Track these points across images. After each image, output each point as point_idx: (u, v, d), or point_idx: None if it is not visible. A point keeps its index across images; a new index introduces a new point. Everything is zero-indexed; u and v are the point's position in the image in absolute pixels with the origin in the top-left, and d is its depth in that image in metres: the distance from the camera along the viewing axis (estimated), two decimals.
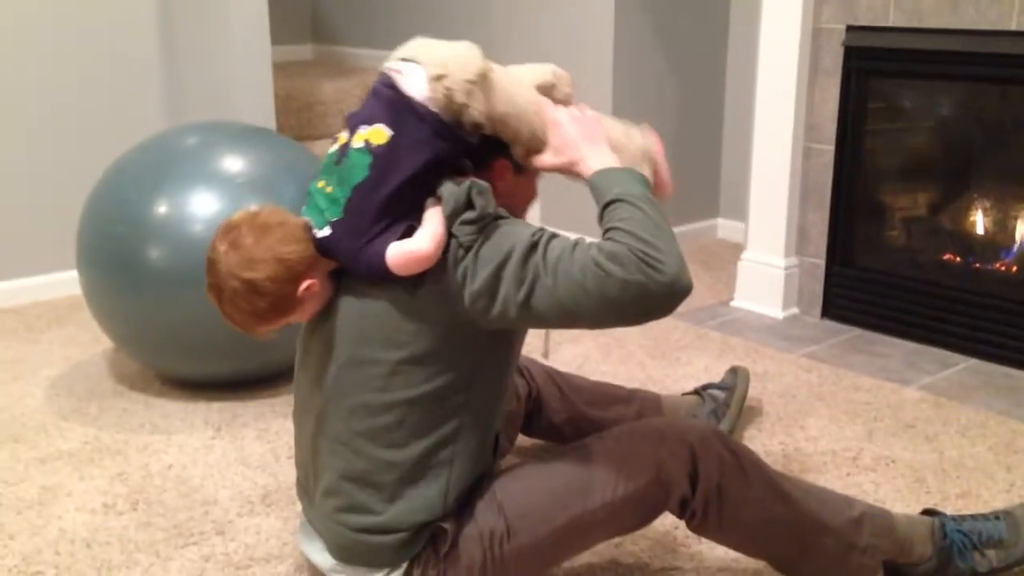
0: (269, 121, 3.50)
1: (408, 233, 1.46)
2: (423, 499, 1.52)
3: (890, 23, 2.76)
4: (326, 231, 1.50)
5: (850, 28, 2.85)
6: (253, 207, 1.56)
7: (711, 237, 4.02)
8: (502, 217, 1.48)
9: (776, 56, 2.96)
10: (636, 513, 1.57)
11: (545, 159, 1.55)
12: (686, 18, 3.71)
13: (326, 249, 1.51)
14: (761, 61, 3.01)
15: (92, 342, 2.87)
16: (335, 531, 1.56)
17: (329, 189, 1.51)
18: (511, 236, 1.44)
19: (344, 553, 1.56)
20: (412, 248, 1.44)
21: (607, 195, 1.44)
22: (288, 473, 2.08)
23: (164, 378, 2.59)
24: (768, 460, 2.14)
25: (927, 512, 1.73)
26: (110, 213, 2.37)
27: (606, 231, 1.41)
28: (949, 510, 1.96)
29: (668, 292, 1.36)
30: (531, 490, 1.56)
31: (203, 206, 2.29)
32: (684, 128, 3.81)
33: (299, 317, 1.55)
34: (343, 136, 1.53)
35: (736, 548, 1.65)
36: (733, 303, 3.20)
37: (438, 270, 1.45)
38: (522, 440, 2.11)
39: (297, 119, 3.85)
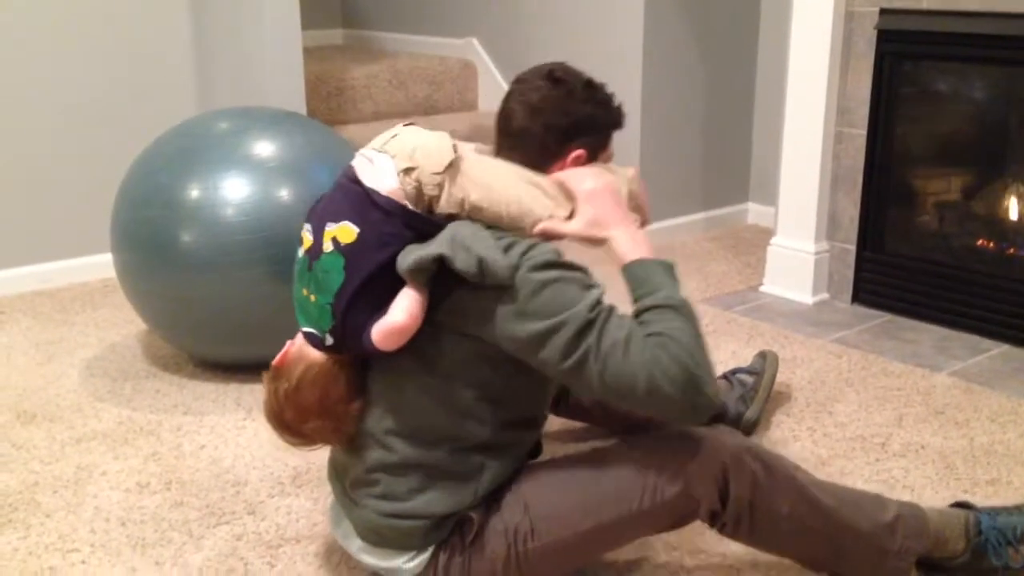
0: (299, 106, 3.51)
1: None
2: (453, 494, 1.54)
3: (924, 6, 2.74)
4: (330, 341, 1.54)
5: (883, 11, 2.82)
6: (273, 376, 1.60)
7: (741, 222, 4.01)
8: (556, 265, 1.48)
9: (808, 39, 2.94)
10: (662, 522, 1.57)
11: (572, 228, 1.54)
12: (717, 1, 3.69)
13: (337, 351, 1.55)
14: (793, 44, 2.98)
15: (126, 324, 2.91)
16: (364, 515, 1.58)
17: (313, 298, 1.54)
18: (568, 301, 1.44)
19: (372, 536, 1.58)
20: (388, 323, 1.48)
21: (654, 295, 1.47)
22: (318, 455, 2.10)
23: (196, 360, 2.62)
24: (796, 446, 2.15)
25: (960, 504, 1.71)
26: (143, 197, 2.39)
27: (655, 332, 1.43)
28: (978, 496, 1.95)
29: (706, 411, 1.44)
30: (557, 493, 1.56)
31: (235, 190, 2.31)
32: (714, 112, 3.79)
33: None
34: (307, 238, 1.55)
35: (768, 553, 1.65)
36: (762, 288, 3.19)
37: (474, 290, 1.46)
38: (551, 423, 2.12)
39: (327, 104, 3.87)
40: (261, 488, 2.01)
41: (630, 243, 1.53)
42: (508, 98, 1.65)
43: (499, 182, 1.53)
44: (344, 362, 1.56)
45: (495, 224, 1.51)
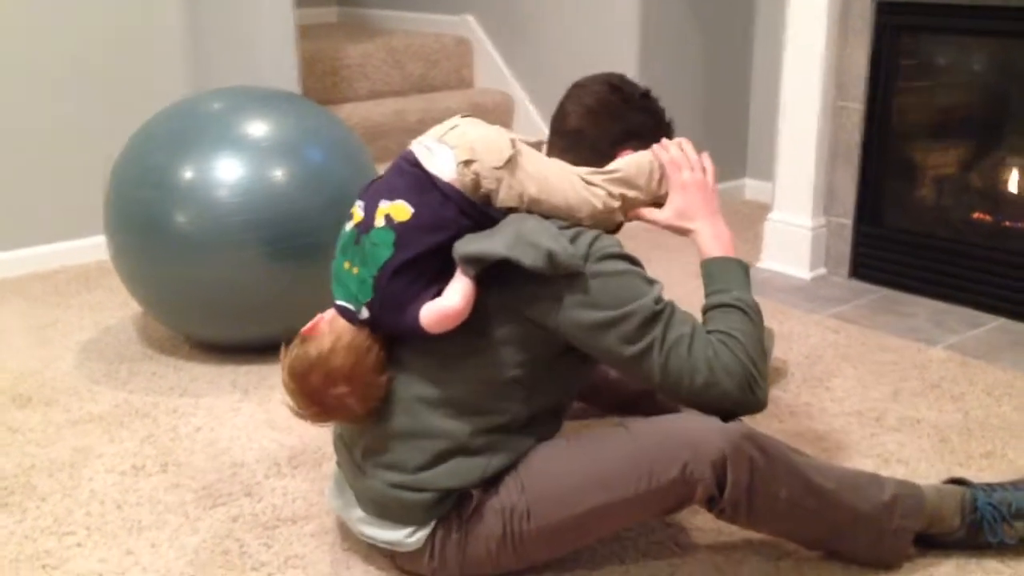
0: (294, 85, 3.50)
1: (438, 292, 1.51)
2: (462, 470, 1.55)
3: None
4: (364, 314, 1.55)
5: None
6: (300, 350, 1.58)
7: (738, 197, 3.99)
8: (621, 257, 1.54)
9: (805, 12, 2.92)
10: (659, 507, 1.57)
11: (662, 217, 1.69)
12: None
13: (373, 328, 1.56)
14: (790, 17, 2.96)
15: (121, 306, 2.91)
16: (369, 485, 1.59)
17: (355, 270, 1.55)
18: (636, 292, 1.52)
19: (375, 507, 1.60)
20: (443, 306, 1.50)
21: (726, 294, 1.59)
22: (314, 435, 2.10)
23: (192, 342, 2.62)
24: (792, 421, 2.15)
25: (956, 481, 1.71)
26: (137, 178, 2.38)
27: (721, 330, 1.54)
28: (973, 469, 1.95)
29: (757, 408, 1.55)
30: (554, 476, 1.57)
31: (229, 171, 2.30)
32: (711, 88, 3.77)
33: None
34: (358, 213, 1.57)
35: (766, 534, 1.66)
36: (760, 264, 3.18)
37: (538, 278, 1.49)
38: None
39: (322, 83, 3.85)
40: (257, 469, 2.01)
41: (712, 239, 1.66)
42: (565, 100, 1.74)
43: (555, 175, 1.57)
44: (377, 336, 1.57)
45: (553, 215, 1.55)
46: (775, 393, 2.29)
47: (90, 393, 2.37)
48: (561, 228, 1.52)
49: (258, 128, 2.38)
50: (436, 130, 1.59)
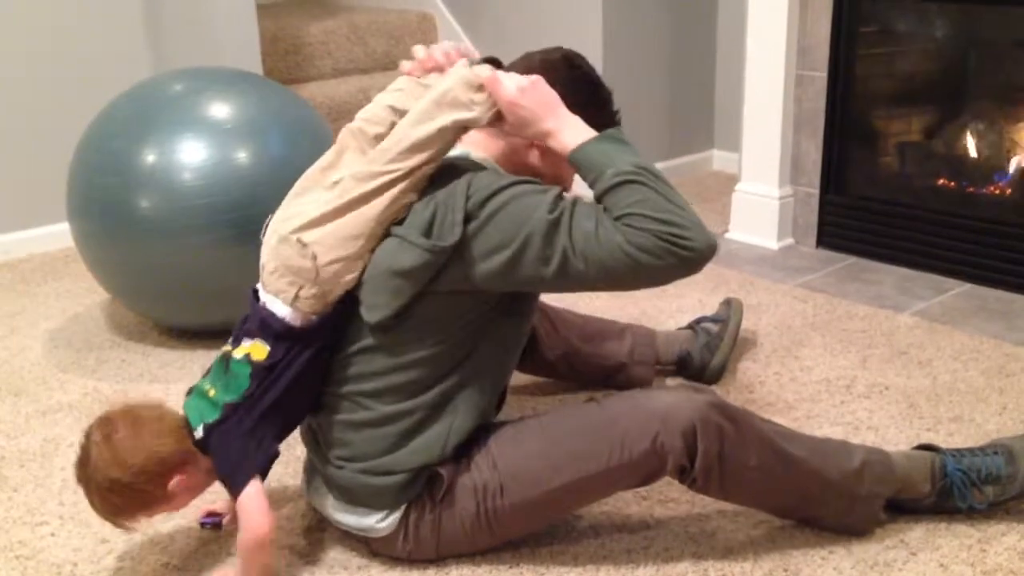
0: (255, 65, 3.45)
1: (266, 467, 1.56)
2: (423, 444, 1.55)
3: None
4: (199, 432, 1.55)
5: None
6: (129, 400, 1.63)
7: (706, 169, 4.00)
8: (500, 189, 1.47)
9: None
10: (631, 479, 1.58)
11: (517, 134, 1.55)
12: None
13: (202, 449, 1.55)
14: None
15: (88, 293, 2.88)
16: (337, 474, 1.59)
17: (212, 392, 1.57)
18: (525, 214, 1.44)
19: (345, 494, 1.59)
20: (256, 534, 1.53)
21: (602, 180, 1.44)
22: None
23: (161, 328, 2.60)
24: (762, 391, 2.17)
25: (926, 447, 1.73)
26: (98, 163, 2.36)
27: (616, 215, 1.42)
28: (942, 434, 1.98)
29: (699, 260, 1.42)
30: (526, 452, 1.57)
31: (191, 153, 2.28)
32: (677, 59, 3.77)
33: (171, 508, 1.59)
34: (229, 345, 1.59)
35: (737, 504, 1.68)
36: (728, 235, 3.20)
37: (438, 258, 1.46)
38: (517, 378, 2.13)
39: (284, 62, 3.80)
40: None
41: (568, 131, 1.48)
42: (514, 62, 1.65)
43: (350, 213, 1.52)
44: (193, 455, 1.56)
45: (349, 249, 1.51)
46: (744, 364, 2.30)
47: (59, 382, 2.34)
48: (427, 219, 1.47)
49: (220, 110, 2.36)
50: (263, 275, 1.58)
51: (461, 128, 1.50)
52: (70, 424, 2.14)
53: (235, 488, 1.54)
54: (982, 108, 2.81)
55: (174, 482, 1.54)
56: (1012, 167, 2.77)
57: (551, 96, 1.50)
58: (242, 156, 2.30)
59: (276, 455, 1.59)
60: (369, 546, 1.66)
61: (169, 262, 2.30)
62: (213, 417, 1.54)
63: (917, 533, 1.67)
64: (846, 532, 1.67)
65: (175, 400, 2.20)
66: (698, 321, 2.28)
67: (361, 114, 1.62)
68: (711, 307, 2.54)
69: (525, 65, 1.61)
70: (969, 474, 1.66)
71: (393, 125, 1.56)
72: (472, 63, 1.55)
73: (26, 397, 2.27)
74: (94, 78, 3.25)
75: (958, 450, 1.71)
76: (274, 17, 4.06)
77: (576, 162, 1.48)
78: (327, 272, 1.51)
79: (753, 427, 1.58)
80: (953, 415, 2.06)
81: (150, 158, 2.29)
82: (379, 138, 1.56)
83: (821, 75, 2.92)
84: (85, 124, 2.53)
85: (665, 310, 2.63)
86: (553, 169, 1.60)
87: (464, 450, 1.59)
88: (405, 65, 1.67)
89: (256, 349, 1.55)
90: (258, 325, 1.56)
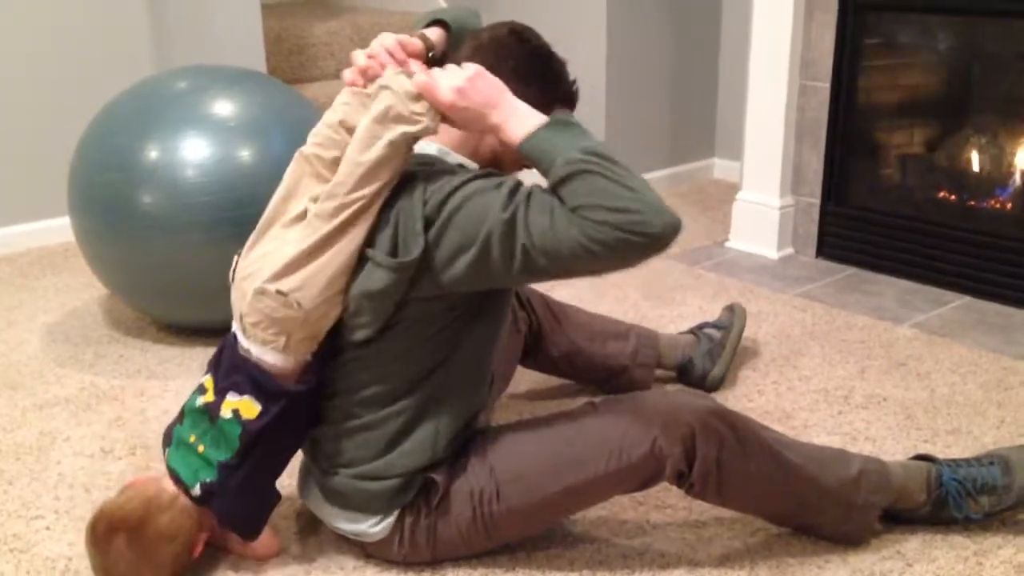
0: (259, 64, 3.46)
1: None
2: (414, 446, 1.54)
3: None
4: (197, 490, 1.53)
5: None
6: (117, 498, 1.59)
7: (707, 177, 4.00)
8: (455, 189, 1.43)
9: None
10: (629, 484, 1.58)
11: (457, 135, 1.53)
12: None
13: (202, 503, 1.55)
14: None
15: (87, 288, 2.87)
16: (331, 479, 1.58)
17: (201, 448, 1.53)
18: (483, 212, 1.40)
19: (339, 499, 1.59)
20: (261, 554, 1.63)
21: (552, 171, 1.39)
22: None
23: (159, 324, 2.59)
24: (761, 399, 2.17)
25: (922, 457, 1.73)
26: (100, 159, 2.35)
27: (574, 208, 1.36)
28: (939, 446, 1.98)
29: (661, 243, 1.36)
30: (523, 457, 1.57)
31: (194, 151, 2.28)
32: (680, 67, 3.77)
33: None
34: (209, 389, 1.54)
35: (734, 510, 1.67)
36: (728, 243, 3.20)
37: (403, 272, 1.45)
38: (517, 380, 2.13)
39: (288, 62, 3.80)
40: None
41: (511, 125, 1.43)
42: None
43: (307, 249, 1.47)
44: (205, 514, 1.57)
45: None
46: (743, 372, 2.30)
47: (56, 376, 2.34)
48: (390, 235, 1.44)
49: (224, 107, 2.36)
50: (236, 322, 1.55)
51: (412, 138, 1.45)
52: (66, 418, 2.14)
53: (247, 537, 1.59)
54: (984, 121, 2.82)
55: (200, 547, 1.58)
56: (1012, 181, 2.77)
57: (492, 88, 1.44)
58: (245, 154, 2.30)
59: (278, 500, 1.61)
60: (364, 549, 1.65)
61: (170, 259, 2.30)
62: (210, 477, 1.52)
63: (913, 544, 1.67)
64: (842, 541, 1.66)
65: (173, 398, 2.21)
66: (701, 327, 2.27)
67: (312, 137, 1.57)
68: (711, 314, 2.54)
69: (474, 45, 1.57)
70: (965, 484, 1.66)
71: (346, 145, 1.50)
72: (402, 72, 1.49)
73: (23, 391, 2.27)
74: (97, 75, 3.25)
75: (954, 460, 1.70)
76: (278, 17, 4.06)
77: (526, 154, 1.43)
78: (315, 315, 1.47)
79: (753, 434, 1.57)
80: (951, 427, 2.06)
81: (153, 155, 2.28)
82: (336, 162, 1.50)
83: (824, 85, 2.93)
84: (86, 120, 2.53)
85: (666, 315, 2.63)
86: (513, 152, 1.50)
87: (460, 454, 1.58)
88: (346, 75, 1.59)
89: (246, 407, 1.50)
90: (248, 381, 1.50)
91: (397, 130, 1.43)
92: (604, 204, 1.34)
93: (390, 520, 1.57)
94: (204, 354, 2.42)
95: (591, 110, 3.61)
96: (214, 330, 2.46)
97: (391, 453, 1.54)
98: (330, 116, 1.57)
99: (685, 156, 3.92)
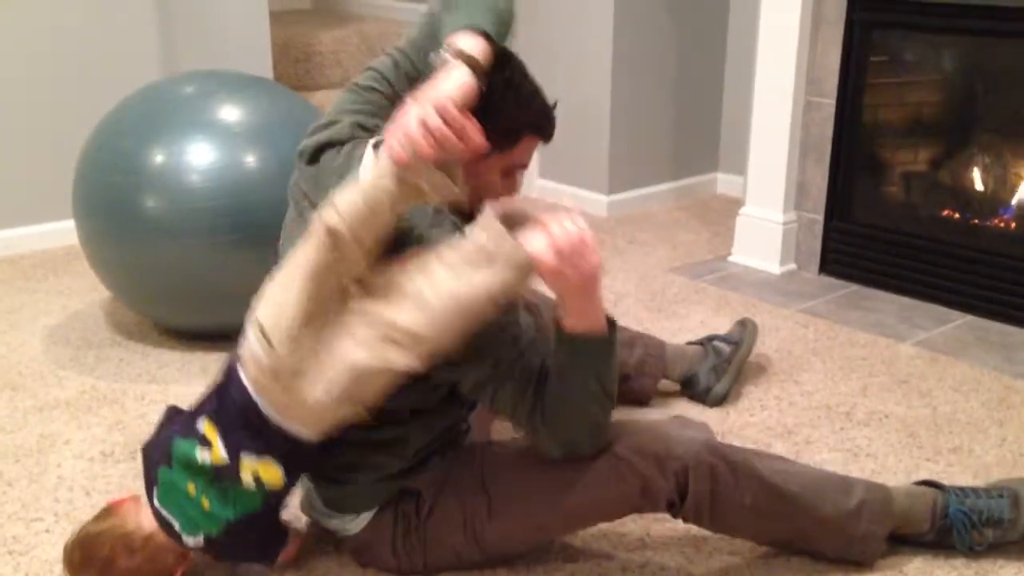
0: (266, 71, 3.47)
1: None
2: (387, 459, 1.56)
3: None
4: (196, 542, 1.48)
5: None
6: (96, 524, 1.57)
7: (710, 191, 4.01)
8: None
9: (779, 6, 2.93)
10: (620, 512, 1.59)
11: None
12: None
13: (196, 549, 1.51)
14: (763, 12, 2.97)
15: (89, 291, 2.87)
16: (315, 489, 1.63)
17: (206, 505, 1.44)
18: (477, 350, 1.42)
19: (324, 499, 1.63)
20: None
21: (573, 372, 1.45)
22: None
23: (161, 328, 2.59)
24: (762, 414, 2.16)
25: (930, 483, 1.70)
26: (106, 162, 2.35)
27: (546, 422, 1.48)
28: (941, 464, 1.97)
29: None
30: (516, 480, 1.57)
31: (200, 155, 2.28)
32: (684, 82, 3.78)
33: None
34: (214, 443, 1.43)
35: (731, 537, 1.67)
36: (731, 258, 3.20)
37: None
38: None
39: (295, 69, 3.82)
40: None
41: (579, 313, 1.42)
42: None
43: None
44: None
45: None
46: (745, 387, 2.30)
47: (57, 379, 2.34)
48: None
49: (230, 113, 2.36)
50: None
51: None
52: (67, 421, 2.13)
53: (264, 564, 1.59)
54: (989, 141, 2.82)
55: (179, 573, 1.55)
56: (1016, 201, 2.77)
57: (591, 268, 1.36)
58: (250, 160, 2.30)
59: (287, 533, 1.59)
60: (359, 558, 1.65)
61: (173, 263, 2.29)
62: (215, 531, 1.46)
63: (915, 564, 1.66)
64: (846, 563, 1.65)
65: (173, 403, 2.20)
66: (710, 339, 2.25)
67: (341, 207, 1.36)
68: (713, 327, 2.54)
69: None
70: (971, 516, 1.64)
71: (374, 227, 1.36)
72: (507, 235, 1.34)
73: (23, 392, 2.27)
74: (104, 79, 3.25)
75: (962, 489, 1.67)
76: (286, 25, 4.08)
77: (566, 340, 1.43)
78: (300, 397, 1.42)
79: (748, 465, 1.56)
80: (952, 446, 2.06)
81: (158, 159, 2.28)
82: (370, 254, 1.37)
83: (829, 102, 2.93)
84: (91, 124, 2.53)
85: (668, 329, 2.62)
86: (476, 181, 1.46)
87: (450, 468, 1.59)
88: (394, 147, 1.32)
89: (268, 472, 1.43)
90: (269, 446, 1.42)
91: (501, 275, 1.34)
92: (569, 439, 1.50)
93: (368, 514, 1.58)
94: (204, 359, 2.42)
95: (596, 124, 3.62)
96: (216, 335, 2.47)
97: (360, 469, 1.56)
98: (359, 191, 1.36)
99: (689, 170, 3.92)
